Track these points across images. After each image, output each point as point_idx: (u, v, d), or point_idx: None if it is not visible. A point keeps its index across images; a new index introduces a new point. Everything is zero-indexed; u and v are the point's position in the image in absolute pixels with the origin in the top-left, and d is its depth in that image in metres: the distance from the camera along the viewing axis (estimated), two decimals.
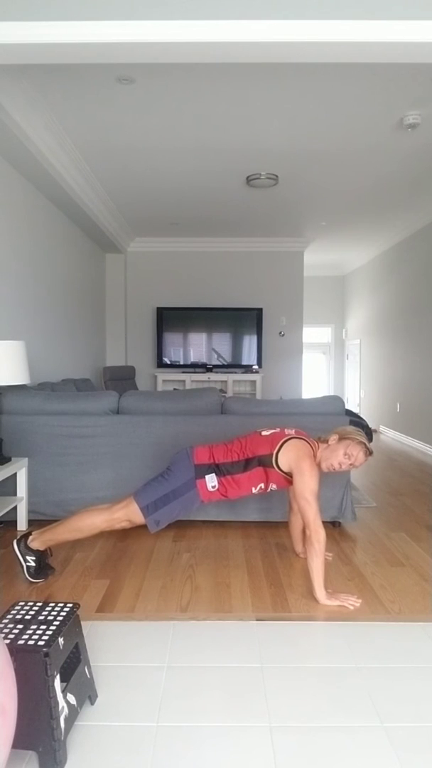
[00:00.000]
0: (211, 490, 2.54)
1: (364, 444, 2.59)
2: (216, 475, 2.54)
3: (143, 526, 2.56)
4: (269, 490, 2.63)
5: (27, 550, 2.61)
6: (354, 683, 1.86)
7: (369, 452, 2.60)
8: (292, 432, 2.63)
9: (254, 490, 2.60)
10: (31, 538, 2.62)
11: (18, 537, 2.65)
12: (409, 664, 1.99)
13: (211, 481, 2.53)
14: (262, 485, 2.59)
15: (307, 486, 2.44)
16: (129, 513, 2.50)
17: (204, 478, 2.53)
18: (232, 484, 2.55)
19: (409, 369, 7.16)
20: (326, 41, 2.38)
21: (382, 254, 8.27)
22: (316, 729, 1.63)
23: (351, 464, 2.57)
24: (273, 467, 2.53)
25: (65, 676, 1.62)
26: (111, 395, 3.58)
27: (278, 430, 2.65)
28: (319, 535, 2.41)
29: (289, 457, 2.51)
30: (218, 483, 2.54)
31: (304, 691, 1.81)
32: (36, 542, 2.60)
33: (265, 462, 2.54)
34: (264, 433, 2.64)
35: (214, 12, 2.33)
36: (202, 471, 2.54)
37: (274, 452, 2.53)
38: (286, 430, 2.65)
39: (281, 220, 6.79)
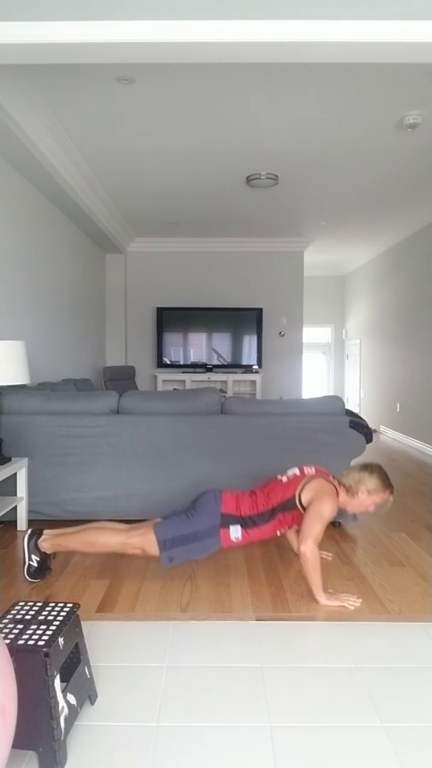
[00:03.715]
0: (234, 540, 2.55)
1: (391, 489, 2.61)
2: (241, 527, 2.54)
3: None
4: (292, 529, 2.67)
5: (35, 549, 2.61)
6: (354, 683, 1.86)
7: (392, 492, 2.63)
8: (313, 471, 2.65)
9: (278, 534, 2.63)
10: (42, 538, 2.60)
11: (30, 531, 2.63)
12: (409, 664, 1.99)
13: (235, 532, 2.53)
14: (286, 527, 2.62)
15: (321, 513, 2.44)
16: (145, 542, 2.49)
17: (228, 528, 2.53)
18: (257, 534, 2.57)
19: (409, 369, 7.16)
20: (326, 41, 2.38)
21: (382, 254, 8.27)
22: (316, 729, 1.63)
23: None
24: (297, 509, 2.53)
25: (65, 676, 1.62)
26: (111, 395, 3.58)
27: (298, 473, 2.65)
28: (314, 552, 2.39)
29: (311, 491, 2.51)
30: (242, 535, 2.54)
31: (304, 691, 1.81)
32: (46, 543, 2.60)
33: (288, 506, 2.54)
34: (284, 479, 2.65)
35: (215, 12, 2.33)
36: (227, 521, 2.53)
37: (297, 492, 2.54)
38: (305, 469, 2.67)
39: (281, 220, 6.79)
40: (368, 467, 2.60)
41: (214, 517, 2.53)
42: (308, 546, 2.38)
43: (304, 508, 2.52)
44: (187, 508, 2.61)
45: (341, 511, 2.65)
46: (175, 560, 2.53)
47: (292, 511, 2.54)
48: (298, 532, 3.01)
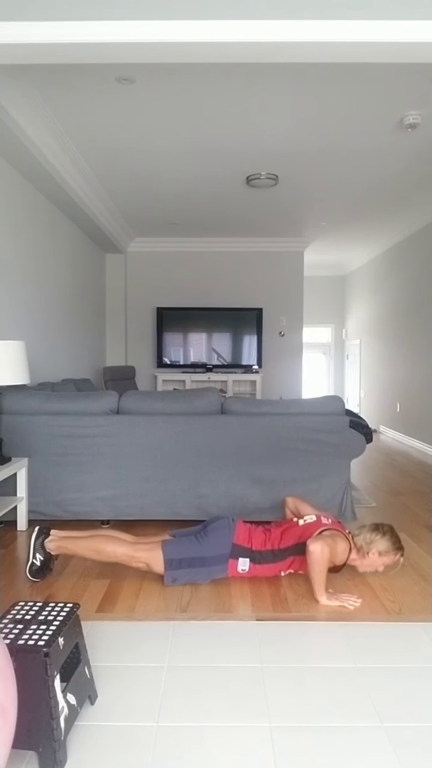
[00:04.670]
0: (241, 572, 2.57)
1: (402, 551, 2.61)
2: (250, 560, 2.57)
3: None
4: (298, 572, 2.69)
5: (40, 548, 2.61)
6: (354, 683, 1.86)
7: (403, 554, 2.64)
8: (329, 522, 2.66)
9: (283, 574, 2.65)
10: (49, 538, 2.61)
11: (38, 529, 2.62)
12: (409, 664, 1.99)
13: (243, 564, 2.56)
14: (291, 570, 2.64)
15: (336, 544, 2.45)
16: (150, 558, 2.51)
17: (237, 559, 2.55)
18: (264, 570, 2.60)
19: (409, 369, 7.15)
20: (326, 41, 2.37)
21: (382, 254, 8.27)
22: (316, 729, 1.63)
23: None
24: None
25: (65, 676, 1.62)
26: (111, 395, 3.58)
27: (315, 519, 2.66)
28: (324, 552, 2.39)
29: (326, 535, 2.52)
30: (249, 568, 2.57)
31: (304, 691, 1.81)
32: (52, 545, 2.60)
33: (301, 550, 2.54)
34: (300, 523, 2.66)
35: (214, 12, 2.33)
36: (237, 552, 2.56)
37: (312, 538, 2.54)
38: (323, 519, 2.68)
39: (281, 220, 6.79)
40: (380, 528, 2.61)
41: (225, 546, 2.55)
42: (318, 546, 2.38)
43: None
44: (198, 531, 2.63)
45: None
46: (179, 580, 2.55)
47: (301, 555, 2.55)
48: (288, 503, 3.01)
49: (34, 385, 4.57)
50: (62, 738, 1.48)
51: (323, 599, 2.42)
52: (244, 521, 2.72)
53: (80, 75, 3.37)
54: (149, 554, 2.50)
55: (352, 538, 2.63)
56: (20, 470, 3.32)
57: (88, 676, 1.73)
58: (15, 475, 3.34)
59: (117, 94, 3.60)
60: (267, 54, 2.49)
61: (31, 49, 2.45)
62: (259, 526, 2.69)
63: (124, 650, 2.06)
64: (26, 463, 3.36)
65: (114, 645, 2.10)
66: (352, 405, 9.88)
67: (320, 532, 2.56)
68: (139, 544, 2.55)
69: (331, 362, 10.78)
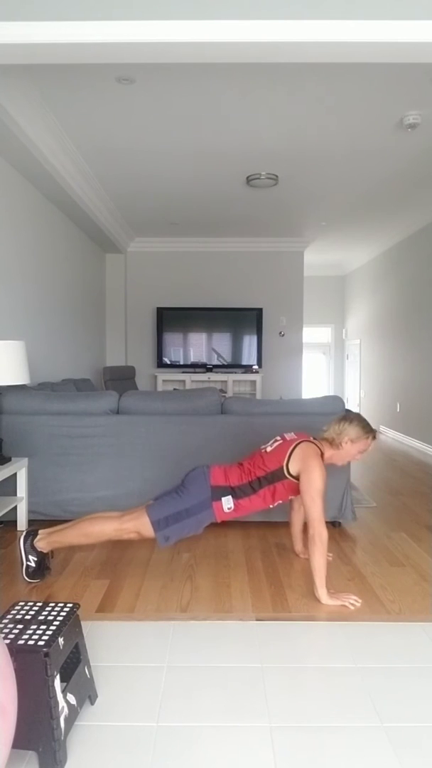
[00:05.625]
0: (227, 511, 2.56)
1: (373, 434, 2.65)
2: (232, 497, 2.56)
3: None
4: (289, 500, 2.66)
5: (31, 549, 2.61)
6: (354, 683, 1.86)
7: (375, 436, 2.67)
8: (294, 436, 2.64)
9: (272, 506, 2.64)
10: (38, 537, 2.61)
11: (25, 532, 2.64)
12: (409, 664, 1.99)
13: (228, 503, 2.55)
14: (280, 500, 2.62)
15: (313, 484, 2.46)
16: (139, 525, 2.50)
17: (220, 500, 2.54)
18: (249, 504, 2.58)
19: (409, 369, 7.15)
20: (326, 41, 2.37)
21: (382, 254, 8.27)
22: (316, 729, 1.63)
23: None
24: (286, 478, 2.55)
25: (65, 676, 1.62)
26: (111, 395, 3.58)
27: (280, 441, 2.65)
28: (322, 534, 2.41)
29: (297, 459, 2.53)
30: (234, 505, 2.56)
31: (304, 691, 1.81)
32: (42, 542, 2.60)
33: (278, 476, 2.55)
34: (268, 449, 2.65)
35: (214, 12, 2.33)
36: (218, 493, 2.55)
37: (284, 462, 2.54)
38: (286, 436, 2.67)
39: (281, 220, 6.79)
40: (347, 417, 2.65)
41: (204, 491, 2.54)
42: (316, 528, 2.41)
43: (293, 476, 2.53)
44: (177, 487, 2.62)
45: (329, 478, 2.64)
46: (171, 539, 2.53)
47: (281, 480, 2.55)
48: (300, 532, 3.01)
49: (34, 385, 4.57)
50: (62, 738, 1.48)
51: (324, 597, 2.42)
52: (219, 465, 2.71)
53: (80, 75, 3.37)
54: (136, 522, 2.50)
55: (321, 438, 2.65)
56: (20, 470, 3.32)
57: (88, 676, 1.73)
58: (15, 475, 3.34)
59: (117, 94, 3.60)
60: (267, 54, 2.49)
61: (31, 49, 2.45)
62: (234, 464, 2.69)
63: (124, 650, 2.06)
64: (26, 463, 3.36)
65: (114, 645, 2.10)
66: (352, 405, 9.88)
67: (292, 450, 2.54)
68: (125, 516, 2.54)
69: (331, 362, 10.78)
